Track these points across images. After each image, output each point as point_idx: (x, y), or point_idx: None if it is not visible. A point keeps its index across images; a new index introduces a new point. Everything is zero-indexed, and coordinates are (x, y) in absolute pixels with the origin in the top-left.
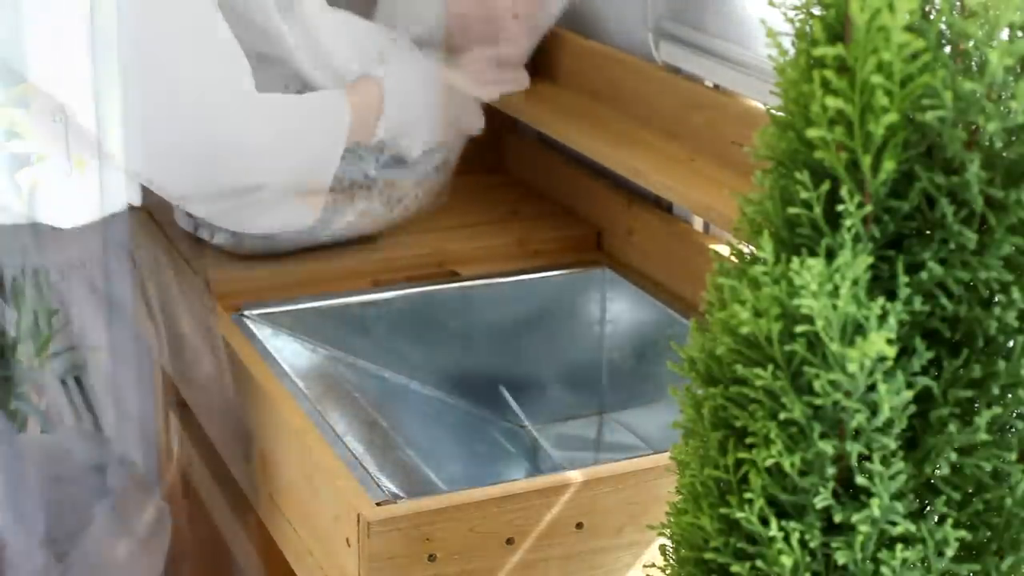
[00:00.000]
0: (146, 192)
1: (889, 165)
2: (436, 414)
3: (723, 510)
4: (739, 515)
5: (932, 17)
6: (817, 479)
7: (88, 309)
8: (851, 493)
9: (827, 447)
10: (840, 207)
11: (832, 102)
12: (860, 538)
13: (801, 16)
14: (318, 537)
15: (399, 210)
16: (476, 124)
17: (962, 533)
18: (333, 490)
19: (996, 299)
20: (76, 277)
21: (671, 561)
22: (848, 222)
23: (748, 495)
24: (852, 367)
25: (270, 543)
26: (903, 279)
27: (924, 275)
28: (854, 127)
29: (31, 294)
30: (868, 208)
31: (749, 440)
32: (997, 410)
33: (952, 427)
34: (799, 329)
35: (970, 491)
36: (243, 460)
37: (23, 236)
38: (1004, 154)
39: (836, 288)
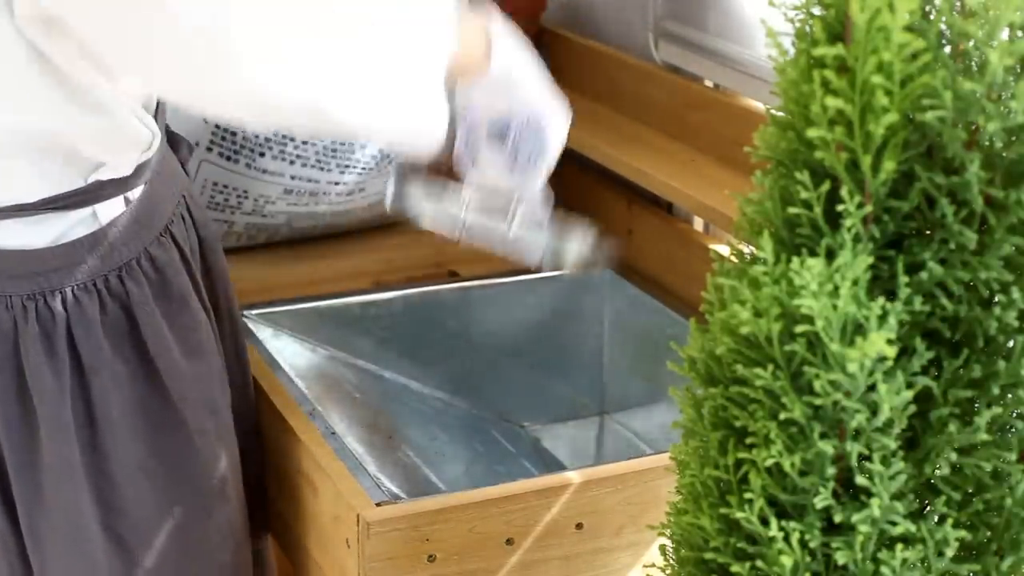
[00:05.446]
0: None
1: (889, 165)
2: (436, 414)
3: (723, 510)
4: (739, 515)
5: (932, 17)
6: (817, 479)
7: None
8: (851, 493)
9: (827, 447)
10: (840, 207)
11: (832, 102)
12: (860, 538)
13: (801, 16)
14: (318, 537)
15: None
16: None
17: (962, 533)
18: (333, 490)
19: (996, 299)
20: None
21: (671, 561)
22: (848, 222)
23: (748, 495)
24: (852, 367)
25: (270, 543)
26: (903, 279)
27: (924, 275)
28: (854, 127)
29: None
30: (868, 208)
31: (749, 440)
32: (997, 410)
33: (952, 427)
34: (799, 329)
35: (970, 491)
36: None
37: None
38: (1004, 154)
39: (836, 288)
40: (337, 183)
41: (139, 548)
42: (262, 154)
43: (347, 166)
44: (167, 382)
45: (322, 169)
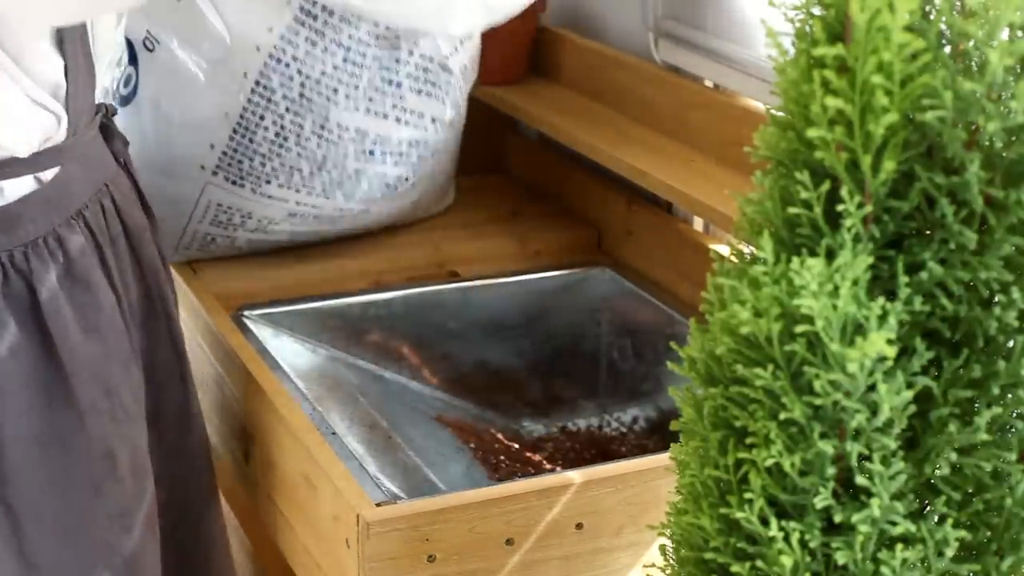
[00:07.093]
0: None
1: (889, 165)
2: (436, 414)
3: (723, 510)
4: (739, 515)
5: (932, 17)
6: (817, 479)
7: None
8: (851, 493)
9: (827, 447)
10: (840, 207)
11: (832, 102)
12: (860, 538)
13: (801, 16)
14: (318, 537)
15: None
16: None
17: (962, 533)
18: (333, 490)
19: (996, 299)
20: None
21: (671, 561)
22: (848, 222)
23: (748, 495)
24: (852, 367)
25: (270, 543)
26: (903, 279)
27: (924, 275)
28: (854, 127)
29: None
30: (868, 208)
31: (749, 440)
32: (997, 410)
33: (952, 427)
34: (799, 329)
35: (970, 491)
36: (243, 460)
37: None
38: (1004, 154)
39: (836, 288)
40: (341, 209)
41: (26, 518)
42: (268, 181)
43: (352, 196)
44: (63, 358)
45: (327, 198)
